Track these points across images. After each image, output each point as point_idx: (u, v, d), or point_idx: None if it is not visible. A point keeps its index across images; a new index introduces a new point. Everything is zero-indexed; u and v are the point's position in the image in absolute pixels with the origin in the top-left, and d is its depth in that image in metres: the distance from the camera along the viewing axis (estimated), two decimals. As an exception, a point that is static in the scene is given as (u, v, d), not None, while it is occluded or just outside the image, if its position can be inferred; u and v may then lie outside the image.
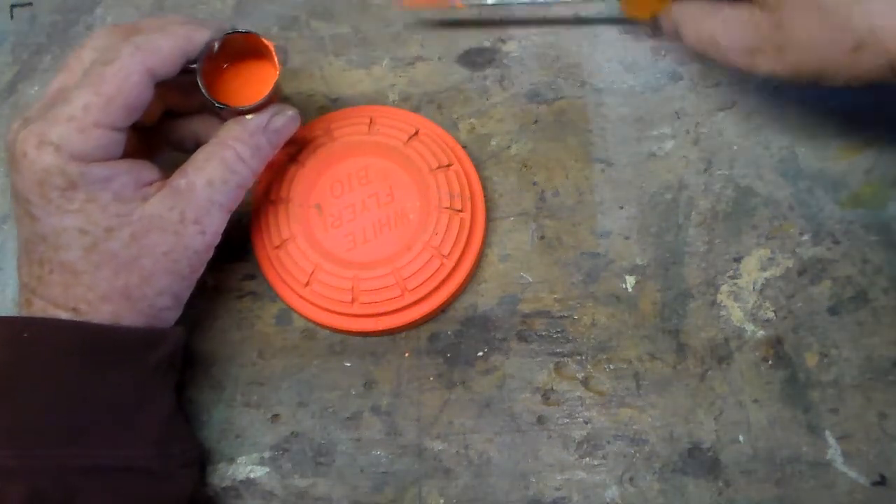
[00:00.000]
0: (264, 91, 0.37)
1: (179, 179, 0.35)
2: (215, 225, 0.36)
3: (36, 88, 0.46)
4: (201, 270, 0.37)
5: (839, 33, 0.31)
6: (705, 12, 0.37)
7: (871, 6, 0.30)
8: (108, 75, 0.33)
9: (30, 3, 0.48)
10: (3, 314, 0.43)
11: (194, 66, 0.36)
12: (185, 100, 0.39)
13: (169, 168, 0.37)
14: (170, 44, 0.35)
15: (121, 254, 0.34)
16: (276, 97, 0.38)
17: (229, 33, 0.36)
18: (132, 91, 0.34)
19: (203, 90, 0.36)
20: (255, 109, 0.37)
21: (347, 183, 0.42)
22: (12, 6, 0.48)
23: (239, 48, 0.37)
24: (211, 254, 0.37)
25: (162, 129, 0.39)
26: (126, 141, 0.35)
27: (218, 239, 0.37)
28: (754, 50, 0.35)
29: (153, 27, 0.35)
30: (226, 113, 0.37)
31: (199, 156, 0.36)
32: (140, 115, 0.35)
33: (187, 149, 0.40)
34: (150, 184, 0.35)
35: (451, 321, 0.42)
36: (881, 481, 0.38)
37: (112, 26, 0.36)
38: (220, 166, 0.36)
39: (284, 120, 0.38)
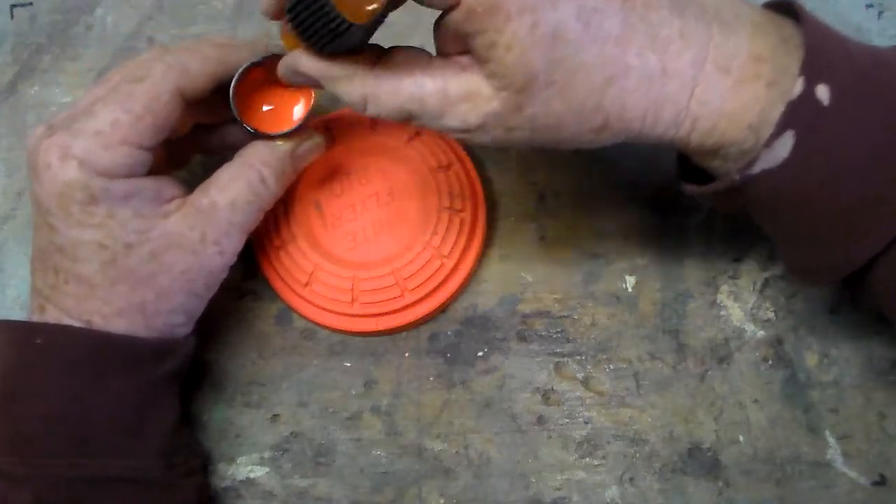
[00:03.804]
0: (297, 115, 0.37)
1: (202, 198, 0.35)
2: (234, 246, 0.36)
3: (36, 88, 0.46)
4: (215, 290, 0.37)
5: (587, 116, 0.29)
6: (406, 72, 0.30)
7: (625, 84, 0.28)
8: (137, 93, 0.33)
9: (30, 3, 0.48)
10: (4, 314, 0.43)
11: (229, 85, 0.36)
12: (215, 116, 0.39)
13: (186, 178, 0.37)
14: (201, 65, 0.35)
15: (139, 270, 0.34)
16: (307, 121, 0.38)
17: (264, 57, 0.36)
18: (161, 111, 0.33)
19: (235, 114, 0.36)
20: (286, 135, 0.37)
21: (347, 183, 0.42)
22: (12, 6, 0.48)
23: (274, 71, 0.37)
24: (226, 274, 0.37)
25: (191, 138, 0.39)
26: (153, 158, 0.34)
27: (234, 260, 0.37)
28: (479, 127, 0.30)
29: (187, 48, 0.35)
30: (257, 136, 0.37)
31: (223, 175, 0.36)
32: (167, 134, 0.34)
33: (215, 154, 0.40)
34: (171, 200, 0.35)
35: (451, 321, 0.42)
36: (881, 481, 0.38)
37: (159, 47, 0.36)
38: (245, 188, 0.36)
39: (311, 146, 0.38)
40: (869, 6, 0.45)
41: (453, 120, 0.30)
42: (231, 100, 0.36)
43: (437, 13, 0.30)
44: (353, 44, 0.30)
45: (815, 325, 0.41)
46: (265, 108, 0.38)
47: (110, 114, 0.33)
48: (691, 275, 0.42)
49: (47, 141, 0.33)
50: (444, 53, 0.31)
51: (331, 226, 0.41)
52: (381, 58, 0.31)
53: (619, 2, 0.28)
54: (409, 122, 0.31)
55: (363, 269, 0.40)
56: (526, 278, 0.42)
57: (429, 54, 0.31)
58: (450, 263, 0.40)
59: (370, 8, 0.28)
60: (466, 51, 0.29)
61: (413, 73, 0.30)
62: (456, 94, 0.29)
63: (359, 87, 0.30)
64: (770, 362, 0.40)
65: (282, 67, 0.32)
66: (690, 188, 0.33)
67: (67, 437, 0.33)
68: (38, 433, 0.33)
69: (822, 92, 0.28)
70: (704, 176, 0.33)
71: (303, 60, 0.31)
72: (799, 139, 0.28)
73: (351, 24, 0.28)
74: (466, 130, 0.30)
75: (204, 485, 0.39)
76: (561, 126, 0.29)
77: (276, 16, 0.32)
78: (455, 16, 0.28)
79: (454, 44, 0.30)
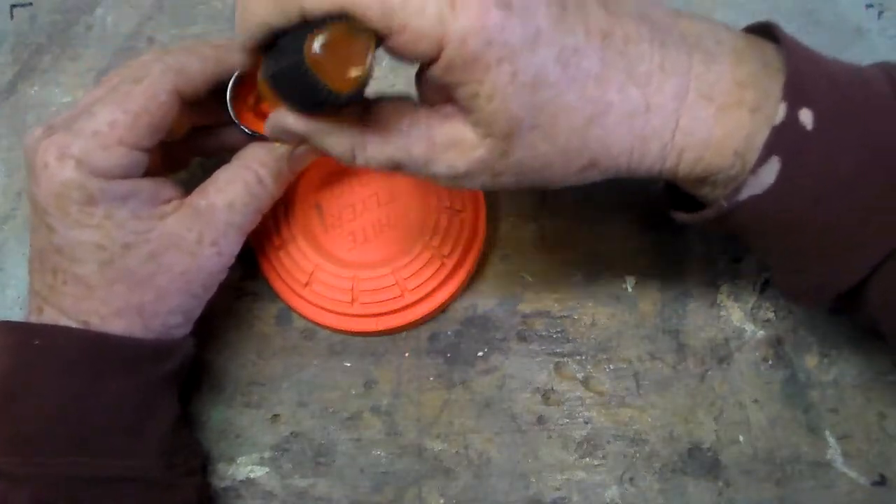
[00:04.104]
0: None
1: (199, 200, 0.35)
2: (232, 247, 0.36)
3: (36, 88, 0.46)
4: (213, 291, 0.37)
5: (573, 156, 0.29)
6: (391, 123, 0.30)
7: (607, 122, 0.28)
8: (135, 93, 0.33)
9: (30, 3, 0.48)
10: (4, 314, 0.43)
11: (227, 87, 0.36)
12: (213, 118, 0.38)
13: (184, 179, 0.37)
14: (199, 66, 0.35)
15: (137, 271, 0.34)
16: None
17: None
18: (158, 111, 0.33)
19: (233, 116, 0.36)
20: None
21: (347, 183, 0.42)
22: (12, 6, 0.48)
23: None
24: (225, 275, 0.37)
25: (189, 141, 0.39)
26: (150, 158, 0.34)
27: (233, 261, 0.37)
28: (466, 173, 0.30)
29: (185, 49, 0.35)
30: (254, 138, 0.37)
31: (221, 176, 0.36)
32: (164, 135, 0.34)
33: (213, 156, 0.40)
34: (169, 201, 0.35)
35: (451, 321, 0.42)
36: (881, 481, 0.38)
37: (158, 48, 0.36)
38: (243, 189, 0.36)
39: (308, 148, 0.38)
40: (869, 6, 0.45)
41: (440, 168, 0.30)
42: (228, 102, 0.36)
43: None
44: (338, 107, 0.29)
45: (815, 325, 0.41)
46: (263, 109, 0.38)
47: (108, 114, 0.33)
48: (691, 275, 0.42)
49: (45, 141, 0.33)
50: (428, 103, 0.31)
51: (331, 226, 0.41)
52: (367, 110, 0.31)
53: (598, 40, 0.28)
54: (397, 172, 0.31)
55: (363, 269, 0.40)
56: (526, 278, 0.42)
57: (414, 103, 0.31)
58: (450, 263, 0.40)
59: (353, 76, 0.27)
60: (449, 99, 0.29)
61: (399, 125, 0.30)
62: (442, 142, 0.29)
63: (346, 141, 0.30)
64: (770, 362, 0.40)
65: (268, 127, 0.32)
66: (680, 216, 0.33)
67: (67, 437, 0.33)
68: (37, 433, 0.33)
69: (806, 116, 0.28)
70: (694, 202, 0.33)
71: (289, 120, 0.31)
72: (784, 165, 0.28)
73: (338, 95, 0.27)
74: (454, 177, 0.30)
75: (204, 485, 0.39)
76: (548, 168, 0.29)
77: (251, 72, 0.31)
78: (435, 69, 0.27)
79: (437, 94, 0.30)
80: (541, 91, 0.27)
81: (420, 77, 0.30)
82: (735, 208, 0.30)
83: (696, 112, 0.29)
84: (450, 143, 0.29)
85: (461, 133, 0.29)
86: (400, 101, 0.31)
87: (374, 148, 0.30)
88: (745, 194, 0.29)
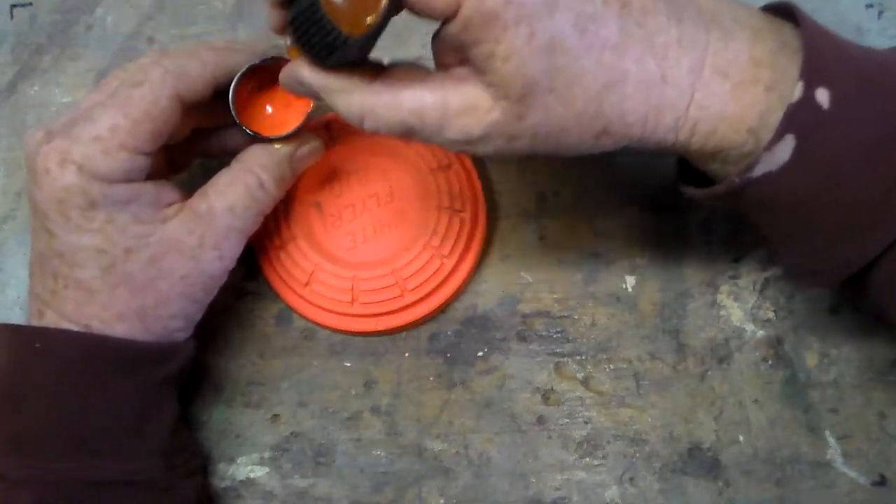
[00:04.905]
0: (296, 119, 0.37)
1: (200, 203, 0.35)
2: (233, 251, 0.36)
3: (36, 88, 0.46)
4: (214, 294, 0.37)
5: (588, 122, 0.29)
6: (405, 86, 0.30)
7: (624, 89, 0.28)
8: (136, 98, 0.33)
9: (30, 3, 0.48)
10: (3, 314, 0.43)
11: (228, 89, 0.36)
12: (215, 120, 0.38)
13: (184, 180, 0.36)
14: (199, 69, 0.35)
15: (138, 275, 0.34)
16: (306, 124, 0.38)
17: (264, 60, 0.36)
18: (160, 115, 0.33)
19: (235, 117, 0.36)
20: (285, 139, 0.37)
21: (347, 183, 0.42)
22: (12, 6, 0.48)
23: (273, 73, 0.36)
24: (226, 278, 0.37)
25: (190, 143, 0.39)
26: (151, 162, 0.34)
27: (234, 264, 0.37)
28: (481, 138, 0.29)
29: (185, 52, 0.35)
30: (256, 139, 0.37)
31: (222, 179, 0.36)
32: (166, 139, 0.34)
33: (215, 158, 0.40)
34: (170, 205, 0.35)
35: (451, 321, 0.42)
36: (881, 481, 0.38)
37: (157, 50, 0.36)
38: (244, 193, 0.36)
39: (309, 149, 0.38)
40: (869, 6, 0.45)
41: (454, 132, 0.30)
42: (230, 103, 0.36)
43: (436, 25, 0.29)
44: (352, 56, 0.29)
45: (815, 325, 0.41)
46: (264, 111, 0.38)
47: (109, 119, 0.33)
48: (691, 275, 0.42)
49: (46, 146, 0.33)
50: (442, 66, 0.31)
51: (331, 226, 0.41)
52: (380, 73, 0.31)
53: (616, 9, 0.28)
54: (408, 138, 0.31)
55: (363, 269, 0.40)
56: (526, 278, 0.42)
57: (427, 69, 0.31)
58: (450, 263, 0.40)
59: (367, 21, 0.27)
60: (465, 62, 0.29)
61: (412, 87, 0.30)
62: (456, 106, 0.29)
63: (357, 100, 0.30)
64: (770, 362, 0.40)
65: (283, 77, 0.32)
66: (691, 191, 0.33)
67: (67, 438, 0.33)
68: (37, 435, 0.33)
69: (822, 95, 0.28)
70: (704, 178, 0.33)
71: (304, 71, 0.31)
72: (799, 142, 0.28)
73: (347, 38, 0.28)
74: (468, 142, 0.30)
75: (204, 486, 0.39)
76: (563, 133, 0.29)
77: (281, 30, 0.31)
78: (452, 27, 0.28)
79: (452, 56, 0.30)
80: (557, 55, 0.27)
81: (436, 38, 0.30)
82: (747, 184, 0.30)
83: (711, 87, 0.29)
84: (464, 107, 0.29)
85: (476, 96, 0.29)
86: (413, 65, 0.31)
87: (385, 111, 0.30)
88: (758, 171, 0.29)
